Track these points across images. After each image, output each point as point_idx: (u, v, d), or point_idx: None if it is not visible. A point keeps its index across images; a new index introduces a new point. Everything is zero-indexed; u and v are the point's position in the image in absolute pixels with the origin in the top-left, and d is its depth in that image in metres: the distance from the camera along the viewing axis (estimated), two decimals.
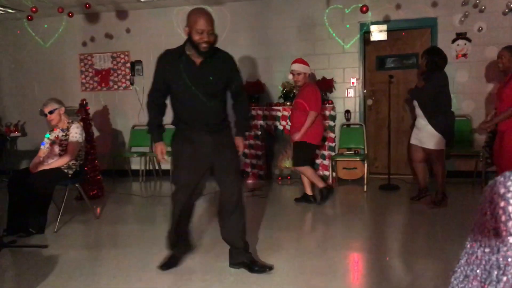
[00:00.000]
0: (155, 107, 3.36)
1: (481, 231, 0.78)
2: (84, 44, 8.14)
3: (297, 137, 5.22)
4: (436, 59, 4.99)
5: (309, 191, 5.51)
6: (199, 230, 4.29)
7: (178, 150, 3.27)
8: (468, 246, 0.81)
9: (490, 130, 4.96)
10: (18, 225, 4.34)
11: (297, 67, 5.25)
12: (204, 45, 3.01)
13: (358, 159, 6.55)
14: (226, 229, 3.34)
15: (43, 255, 3.83)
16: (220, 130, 3.25)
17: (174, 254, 3.49)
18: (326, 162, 6.78)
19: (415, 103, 5.14)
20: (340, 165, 6.87)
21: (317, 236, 4.35)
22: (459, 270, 0.82)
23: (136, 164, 7.84)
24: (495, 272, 0.75)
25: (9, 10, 7.56)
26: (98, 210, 5.42)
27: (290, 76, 5.36)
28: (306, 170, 5.33)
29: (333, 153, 6.76)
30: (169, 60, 3.17)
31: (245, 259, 3.33)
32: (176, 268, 3.43)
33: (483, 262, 0.77)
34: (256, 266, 3.29)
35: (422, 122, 5.05)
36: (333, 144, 6.82)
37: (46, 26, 8.21)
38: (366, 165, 6.27)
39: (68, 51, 8.21)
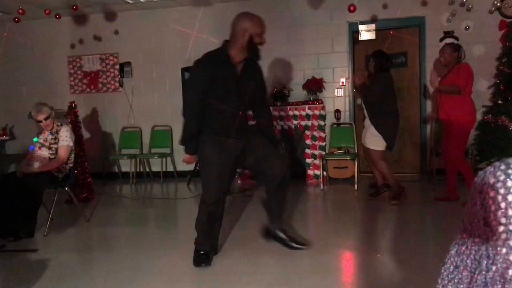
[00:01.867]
0: (196, 115, 3.15)
1: (471, 222, 0.78)
2: (73, 46, 8.09)
3: None
4: (383, 61, 5.19)
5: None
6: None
7: (211, 158, 3.18)
8: (458, 237, 0.82)
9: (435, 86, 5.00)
10: (7, 229, 4.29)
11: None
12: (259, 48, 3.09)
13: (348, 158, 6.58)
14: (275, 200, 3.57)
15: (33, 259, 3.79)
16: (248, 133, 3.32)
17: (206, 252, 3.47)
18: (317, 161, 6.79)
19: (362, 103, 5.34)
20: (330, 164, 6.89)
21: (308, 235, 4.35)
22: (449, 261, 0.83)
23: (126, 166, 7.80)
24: (485, 262, 0.75)
25: None
26: (89, 213, 5.38)
27: None
28: None
29: (323, 153, 6.78)
30: (213, 65, 3.10)
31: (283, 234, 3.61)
32: (167, 270, 3.41)
33: (473, 252, 0.78)
34: (293, 242, 3.56)
35: (367, 122, 5.22)
36: (323, 144, 6.83)
37: (33, 28, 8.14)
38: (356, 164, 6.29)
39: (57, 54, 8.15)
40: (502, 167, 0.74)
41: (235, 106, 3.14)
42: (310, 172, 6.87)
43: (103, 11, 7.80)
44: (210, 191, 3.25)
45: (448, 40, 6.70)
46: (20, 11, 6.13)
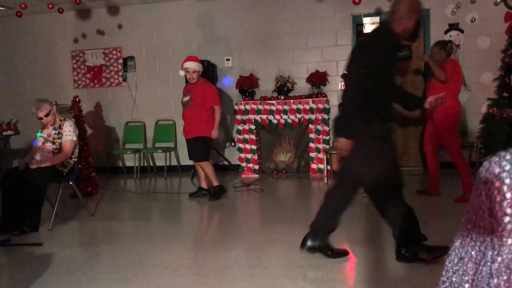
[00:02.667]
0: (363, 100, 2.89)
1: (476, 212, 0.77)
2: (76, 40, 8.08)
3: (214, 134, 5.42)
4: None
5: (204, 185, 5.72)
6: (207, 228, 4.28)
7: (375, 149, 2.98)
8: (463, 228, 0.80)
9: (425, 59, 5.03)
10: (12, 223, 4.31)
11: (192, 65, 5.36)
12: None
13: None
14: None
15: (37, 253, 3.80)
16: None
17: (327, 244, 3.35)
18: (321, 155, 6.77)
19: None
20: (334, 158, 6.86)
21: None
22: (453, 252, 0.82)
23: (130, 160, 7.81)
24: (490, 253, 0.74)
25: None
26: (93, 207, 5.39)
27: (182, 73, 5.49)
28: (207, 164, 5.51)
29: (327, 146, 6.76)
30: (389, 49, 2.99)
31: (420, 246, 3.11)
32: (171, 263, 3.42)
33: (478, 243, 0.76)
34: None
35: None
36: (327, 137, 6.81)
37: (36, 23, 8.14)
38: None
39: (60, 48, 8.15)
40: (508, 156, 0.73)
41: (393, 93, 3.05)
42: (313, 166, 6.86)
43: (106, 5, 7.79)
44: (376, 177, 3.02)
45: (453, 32, 6.68)
46: (23, 5, 6.13)
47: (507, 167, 0.71)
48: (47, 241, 4.10)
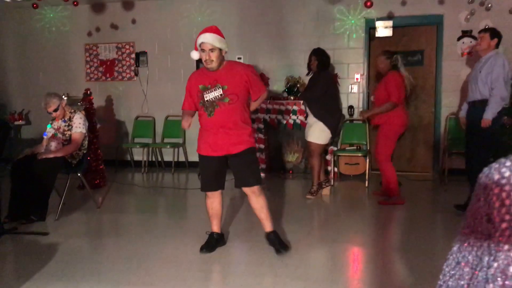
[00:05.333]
0: None
1: (474, 218, 0.78)
2: (90, 34, 8.14)
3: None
4: (324, 59, 5.38)
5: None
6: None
7: None
8: (461, 233, 0.81)
9: (365, 118, 5.41)
10: (20, 212, 4.37)
11: (209, 38, 3.31)
12: None
13: (360, 154, 6.55)
14: None
15: (43, 243, 3.85)
16: None
17: None
18: (329, 157, 6.77)
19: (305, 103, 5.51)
20: (342, 160, 6.87)
21: (318, 229, 4.36)
22: (451, 257, 0.83)
23: (138, 155, 7.86)
24: (486, 258, 0.75)
25: None
26: (100, 199, 5.44)
27: (196, 54, 3.47)
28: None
29: (335, 148, 6.75)
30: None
31: None
32: (175, 258, 3.44)
33: (475, 248, 0.78)
34: None
35: (312, 119, 5.33)
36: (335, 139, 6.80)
37: (52, 15, 8.22)
38: (368, 160, 6.26)
39: (74, 41, 8.22)
40: (508, 163, 0.74)
41: None
42: (326, 167, 6.85)
43: (121, 0, 7.84)
44: None
45: (466, 39, 6.65)
46: None
47: (507, 174, 0.72)
48: (53, 231, 4.14)
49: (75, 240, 3.93)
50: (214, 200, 3.63)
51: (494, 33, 4.44)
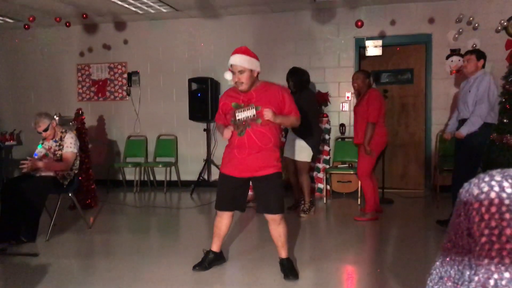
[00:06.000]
0: None
1: (455, 233, 0.80)
2: (82, 54, 8.18)
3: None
4: (303, 78, 5.44)
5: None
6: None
7: None
8: (444, 248, 0.83)
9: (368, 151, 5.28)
10: (9, 232, 4.31)
11: (239, 60, 3.34)
12: None
13: (352, 172, 6.57)
14: None
15: (33, 264, 3.81)
16: None
17: None
18: (321, 175, 6.79)
19: None
20: (334, 178, 6.88)
21: (309, 248, 4.34)
22: (434, 272, 0.84)
23: (130, 174, 7.83)
24: (468, 272, 0.76)
25: (8, 20, 7.60)
26: (91, 219, 5.40)
27: (229, 75, 3.41)
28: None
29: (327, 166, 6.78)
30: None
31: None
32: (167, 278, 3.41)
33: (457, 263, 0.79)
34: None
35: (292, 136, 5.38)
36: (327, 157, 6.83)
37: (44, 36, 8.26)
38: None
39: (66, 61, 8.25)
40: (486, 178, 0.76)
41: None
42: (313, 185, 6.86)
43: (113, 21, 7.90)
44: None
45: (454, 58, 6.75)
46: (31, 18, 6.22)
47: (485, 189, 0.74)
48: (43, 252, 4.10)
49: (66, 261, 3.89)
50: (223, 220, 3.52)
51: (480, 54, 4.57)
